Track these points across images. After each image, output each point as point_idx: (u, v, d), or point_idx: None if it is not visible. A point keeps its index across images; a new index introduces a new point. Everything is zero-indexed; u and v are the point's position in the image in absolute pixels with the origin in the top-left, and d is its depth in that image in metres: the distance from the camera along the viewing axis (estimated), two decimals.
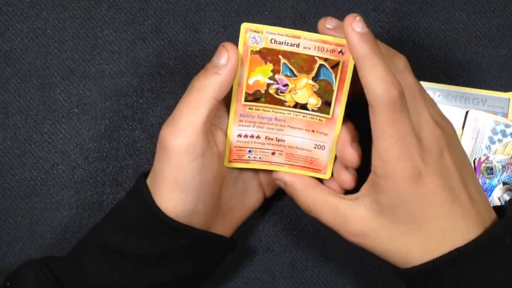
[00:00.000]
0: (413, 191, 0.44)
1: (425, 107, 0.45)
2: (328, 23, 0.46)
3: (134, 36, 0.59)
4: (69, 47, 0.59)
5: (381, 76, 0.42)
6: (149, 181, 0.48)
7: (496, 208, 0.48)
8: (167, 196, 0.46)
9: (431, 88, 0.58)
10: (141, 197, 0.47)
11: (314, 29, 0.59)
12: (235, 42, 0.59)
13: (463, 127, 0.58)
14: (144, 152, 0.59)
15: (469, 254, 0.44)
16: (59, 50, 0.59)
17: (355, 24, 0.43)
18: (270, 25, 0.59)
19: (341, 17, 0.59)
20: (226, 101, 0.48)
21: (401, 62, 0.46)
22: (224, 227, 0.51)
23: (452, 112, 0.58)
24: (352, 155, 0.48)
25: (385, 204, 0.45)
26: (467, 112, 0.58)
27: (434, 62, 0.60)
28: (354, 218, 0.46)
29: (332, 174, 0.50)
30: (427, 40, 0.60)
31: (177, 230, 0.47)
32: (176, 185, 0.46)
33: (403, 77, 0.45)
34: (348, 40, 0.43)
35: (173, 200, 0.46)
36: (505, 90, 0.59)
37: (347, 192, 0.49)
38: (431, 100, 0.49)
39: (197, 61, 0.59)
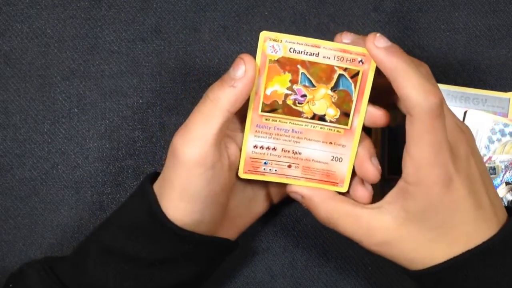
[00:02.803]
0: (443, 197, 0.44)
1: (450, 113, 0.46)
2: (345, 38, 0.46)
3: (134, 36, 0.59)
4: (69, 47, 0.59)
5: (417, 84, 0.42)
6: (156, 186, 0.47)
7: (507, 208, 0.48)
8: (175, 204, 0.46)
9: None
10: (146, 202, 0.47)
11: (314, 29, 0.60)
12: (235, 42, 0.60)
13: None
14: (144, 152, 0.59)
15: (478, 256, 0.44)
16: (59, 50, 0.59)
17: (377, 41, 0.43)
18: (271, 26, 0.60)
19: (341, 18, 0.60)
20: (241, 114, 0.47)
21: (425, 69, 0.46)
22: (229, 232, 0.51)
23: None
24: (372, 171, 0.47)
25: (414, 211, 0.45)
26: (465, 112, 0.58)
27: (434, 62, 0.60)
28: (378, 227, 0.46)
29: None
30: (427, 40, 0.60)
31: (182, 236, 0.46)
32: (185, 195, 0.45)
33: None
34: (375, 58, 0.43)
35: (180, 209, 0.46)
36: (505, 90, 0.59)
37: None
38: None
39: (197, 61, 0.59)
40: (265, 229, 0.59)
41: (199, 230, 0.47)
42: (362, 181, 0.49)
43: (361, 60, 0.45)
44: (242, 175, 0.49)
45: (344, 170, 0.49)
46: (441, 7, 0.60)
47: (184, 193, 0.45)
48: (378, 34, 0.43)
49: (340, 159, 0.49)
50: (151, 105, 0.59)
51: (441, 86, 0.58)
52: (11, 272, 0.51)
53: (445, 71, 0.60)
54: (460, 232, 0.45)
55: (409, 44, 0.60)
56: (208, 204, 0.46)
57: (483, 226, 0.45)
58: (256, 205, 0.53)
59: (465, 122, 0.58)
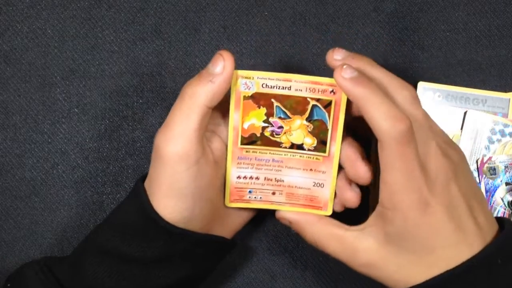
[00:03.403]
0: (420, 221, 0.44)
1: (432, 138, 0.45)
2: (336, 54, 0.47)
3: (134, 36, 0.59)
4: (69, 47, 0.59)
5: (384, 112, 0.43)
6: (146, 185, 0.48)
7: (499, 221, 0.48)
8: (164, 203, 0.46)
9: (431, 89, 0.58)
10: (138, 201, 0.47)
11: (314, 30, 0.60)
12: (235, 42, 0.60)
13: (462, 128, 0.58)
14: (144, 152, 0.59)
15: (460, 276, 0.44)
16: (59, 50, 0.59)
17: (344, 73, 0.44)
18: (271, 27, 0.60)
19: (341, 18, 0.60)
20: (222, 108, 0.48)
21: (408, 93, 0.46)
22: (223, 231, 0.51)
23: (452, 113, 0.58)
24: (365, 171, 0.47)
25: (393, 235, 0.45)
26: (465, 113, 0.58)
27: (434, 62, 0.60)
28: (362, 248, 0.47)
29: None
30: (427, 40, 0.60)
31: (175, 234, 0.46)
32: (172, 192, 0.46)
33: (411, 109, 0.45)
34: (343, 89, 0.44)
35: (169, 207, 0.46)
36: (505, 90, 0.59)
37: (352, 222, 0.49)
38: (439, 129, 0.49)
39: (197, 61, 0.59)
40: (265, 229, 0.59)
41: (192, 228, 0.47)
42: (350, 184, 0.49)
43: (332, 91, 0.46)
44: (228, 204, 0.50)
45: (326, 195, 0.50)
46: (441, 7, 0.60)
47: (171, 190, 0.46)
48: (345, 66, 0.44)
49: (322, 185, 0.49)
50: (151, 105, 0.59)
51: (441, 86, 0.59)
52: (10, 272, 0.51)
53: (445, 71, 0.60)
54: (441, 256, 0.45)
55: (409, 44, 0.60)
56: (196, 200, 0.46)
57: (467, 250, 0.45)
58: None
59: (465, 122, 0.58)
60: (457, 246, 0.45)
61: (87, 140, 0.59)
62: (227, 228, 0.52)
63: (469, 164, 0.58)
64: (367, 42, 0.60)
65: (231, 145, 0.48)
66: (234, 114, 0.47)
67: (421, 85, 0.59)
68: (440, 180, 0.45)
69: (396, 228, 0.45)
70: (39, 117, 0.58)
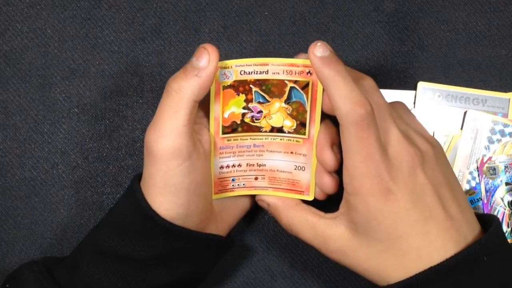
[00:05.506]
0: (382, 207, 0.44)
1: (394, 125, 0.45)
2: (301, 58, 0.47)
3: (134, 36, 0.59)
4: (69, 47, 0.59)
5: (345, 95, 0.43)
6: (141, 184, 0.48)
7: (483, 219, 0.47)
8: (159, 200, 0.46)
9: (431, 89, 0.58)
10: (134, 200, 0.47)
11: (314, 29, 0.60)
12: (235, 42, 0.60)
13: (462, 128, 0.58)
14: None
15: (443, 273, 0.44)
16: (59, 50, 0.59)
17: (316, 50, 0.44)
18: (272, 26, 0.60)
19: (341, 18, 0.60)
20: (208, 102, 0.48)
21: (367, 83, 0.47)
22: (219, 227, 0.51)
23: (452, 113, 0.58)
24: (330, 159, 0.48)
25: (359, 222, 0.45)
26: (465, 112, 0.58)
27: (434, 62, 0.60)
28: (333, 237, 0.47)
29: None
30: (427, 40, 0.60)
31: (172, 232, 0.47)
32: (167, 189, 0.46)
33: (370, 97, 0.45)
34: (313, 66, 0.44)
35: (165, 204, 0.46)
36: (505, 90, 0.59)
37: (328, 209, 0.49)
38: (411, 117, 0.49)
39: None
40: (265, 229, 0.59)
41: (188, 224, 0.47)
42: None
43: (309, 72, 0.46)
44: (214, 196, 0.50)
45: (307, 179, 0.50)
46: (441, 7, 0.60)
47: (166, 187, 0.46)
48: (319, 43, 0.44)
49: (303, 168, 0.50)
50: (151, 105, 0.59)
51: (441, 86, 0.59)
52: (9, 273, 0.51)
53: (445, 71, 0.60)
54: (409, 245, 0.44)
55: (409, 44, 0.60)
56: (191, 196, 0.46)
57: (437, 240, 0.44)
58: (240, 198, 0.53)
59: (465, 122, 0.58)
60: (426, 236, 0.44)
61: (87, 140, 0.59)
62: (222, 224, 0.52)
63: (469, 164, 0.58)
64: (367, 42, 0.60)
65: (213, 137, 0.48)
66: (215, 106, 0.47)
67: (421, 85, 0.59)
68: (403, 167, 0.44)
69: (361, 215, 0.45)
70: (39, 117, 0.58)
